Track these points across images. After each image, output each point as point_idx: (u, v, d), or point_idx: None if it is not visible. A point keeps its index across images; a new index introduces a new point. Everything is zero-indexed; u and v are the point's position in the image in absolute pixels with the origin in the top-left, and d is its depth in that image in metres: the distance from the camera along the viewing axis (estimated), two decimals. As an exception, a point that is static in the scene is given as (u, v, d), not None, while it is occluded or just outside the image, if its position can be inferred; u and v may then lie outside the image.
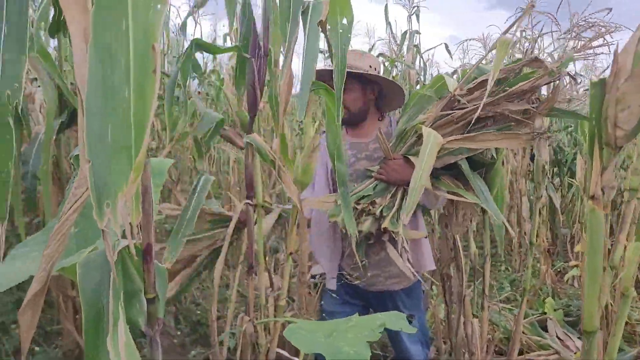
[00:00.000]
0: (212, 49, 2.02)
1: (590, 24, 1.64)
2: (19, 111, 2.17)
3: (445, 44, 5.54)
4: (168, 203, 3.71)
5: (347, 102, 2.08)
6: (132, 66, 0.43)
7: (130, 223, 0.45)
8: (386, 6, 5.53)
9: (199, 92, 3.89)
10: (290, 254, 2.09)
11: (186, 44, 3.36)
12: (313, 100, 2.06)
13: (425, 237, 2.13)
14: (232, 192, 3.81)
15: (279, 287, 2.04)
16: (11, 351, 2.58)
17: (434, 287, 3.38)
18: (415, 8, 5.23)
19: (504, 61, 1.80)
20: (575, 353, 2.80)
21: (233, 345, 1.80)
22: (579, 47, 1.70)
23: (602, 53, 1.63)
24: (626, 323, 2.74)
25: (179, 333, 3.17)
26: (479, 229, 4.14)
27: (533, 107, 1.74)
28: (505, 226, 1.94)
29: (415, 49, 5.29)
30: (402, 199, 1.95)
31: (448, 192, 1.90)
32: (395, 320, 1.24)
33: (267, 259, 3.08)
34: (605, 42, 1.56)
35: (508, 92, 1.73)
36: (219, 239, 2.20)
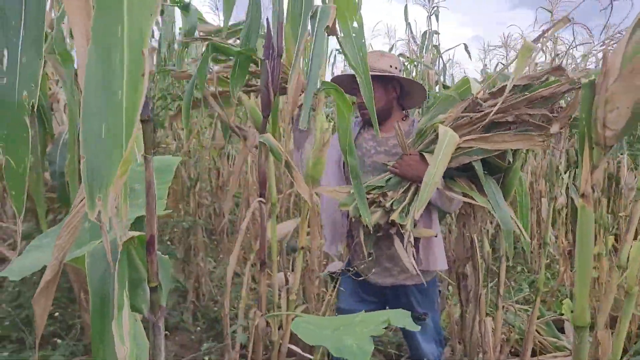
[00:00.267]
0: (227, 50, 2.07)
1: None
2: (43, 112, 2.24)
3: (465, 44, 5.51)
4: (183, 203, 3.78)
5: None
6: (126, 69, 0.47)
7: (118, 215, 0.49)
8: (406, 7, 5.54)
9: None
10: (302, 248, 2.14)
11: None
12: (323, 100, 2.09)
13: (435, 236, 2.14)
14: (250, 191, 3.87)
15: (290, 283, 2.08)
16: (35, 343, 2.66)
17: (450, 287, 3.38)
18: (435, 8, 5.22)
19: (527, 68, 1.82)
20: (591, 355, 2.78)
21: (245, 340, 1.84)
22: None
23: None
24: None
25: (197, 329, 3.23)
26: (497, 229, 4.13)
27: (554, 115, 1.75)
28: (522, 232, 1.96)
29: (434, 50, 5.28)
30: (413, 194, 1.98)
31: (462, 195, 1.92)
32: (400, 317, 1.27)
33: (283, 257, 3.13)
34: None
35: (527, 97, 1.75)
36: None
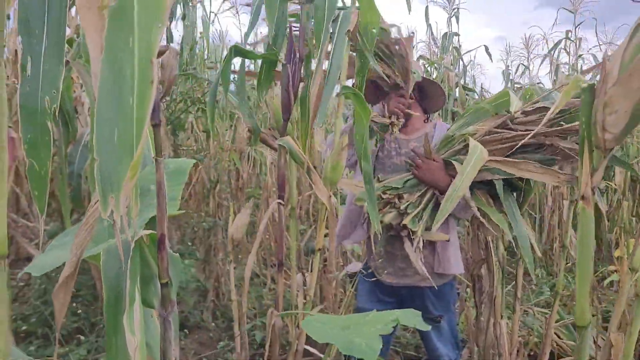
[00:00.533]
0: (249, 54, 2.11)
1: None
2: (67, 115, 2.31)
3: (485, 46, 5.47)
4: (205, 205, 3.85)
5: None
6: (136, 78, 0.51)
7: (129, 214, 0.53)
8: (426, 8, 5.53)
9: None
10: (319, 250, 2.16)
11: (225, 51, 3.48)
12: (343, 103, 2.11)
13: (448, 241, 2.14)
14: (270, 192, 3.92)
15: (307, 283, 2.11)
16: (59, 338, 2.75)
17: (468, 289, 3.38)
18: (455, 10, 5.21)
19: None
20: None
21: (260, 338, 1.89)
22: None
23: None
24: None
25: (216, 328, 3.29)
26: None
27: None
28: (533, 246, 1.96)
29: (455, 51, 5.27)
30: (429, 201, 1.99)
31: (478, 209, 1.92)
32: (409, 316, 1.29)
33: (301, 258, 3.16)
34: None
35: (563, 127, 1.74)
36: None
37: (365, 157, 1.71)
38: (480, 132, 1.90)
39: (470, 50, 7.06)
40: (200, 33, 3.74)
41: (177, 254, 0.91)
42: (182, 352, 2.97)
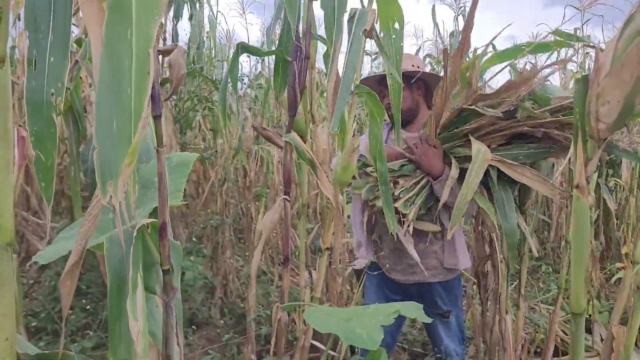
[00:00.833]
0: (256, 51, 2.12)
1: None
2: (77, 115, 2.35)
3: (493, 44, 5.45)
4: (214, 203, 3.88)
5: None
6: (134, 68, 0.53)
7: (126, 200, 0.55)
8: (433, 7, 5.54)
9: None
10: (327, 249, 2.18)
11: (232, 50, 3.50)
12: (355, 103, 2.12)
13: (440, 232, 2.14)
14: (277, 191, 3.95)
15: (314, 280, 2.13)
16: (68, 338, 2.79)
17: (474, 286, 3.38)
18: (462, 8, 5.21)
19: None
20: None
21: (265, 332, 1.92)
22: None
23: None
24: None
25: (223, 325, 3.32)
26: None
27: None
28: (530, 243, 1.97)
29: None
30: (422, 187, 2.00)
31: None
32: (411, 309, 1.30)
33: (308, 256, 3.18)
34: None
35: (559, 120, 1.75)
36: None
37: (380, 158, 1.71)
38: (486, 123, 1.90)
39: (478, 48, 7.01)
40: (207, 32, 3.77)
41: (185, 251, 0.93)
42: (190, 347, 3.00)
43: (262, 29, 4.72)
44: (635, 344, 1.54)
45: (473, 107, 1.85)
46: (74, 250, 0.80)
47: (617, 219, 5.19)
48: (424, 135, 2.03)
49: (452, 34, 5.54)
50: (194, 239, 3.88)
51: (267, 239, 2.41)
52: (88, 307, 2.96)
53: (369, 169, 2.06)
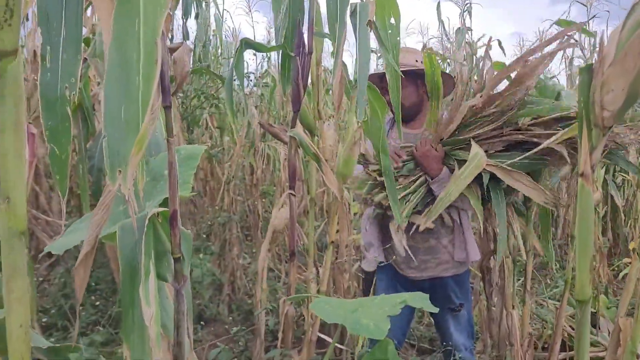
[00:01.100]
0: (259, 47, 2.13)
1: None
2: (87, 113, 2.37)
3: (499, 40, 5.44)
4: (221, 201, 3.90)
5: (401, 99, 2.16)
6: (142, 58, 0.55)
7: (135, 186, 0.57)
8: (438, 4, 5.55)
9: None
10: (332, 242, 2.19)
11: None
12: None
13: (433, 227, 2.16)
14: (284, 188, 3.96)
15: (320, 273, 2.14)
16: (78, 334, 2.82)
17: (481, 282, 3.38)
18: (468, 5, 5.21)
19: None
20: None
21: (273, 324, 1.94)
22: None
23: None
24: None
25: (231, 321, 3.34)
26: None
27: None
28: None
29: (467, 46, 5.26)
30: (419, 185, 2.03)
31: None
32: (418, 299, 1.31)
33: (315, 252, 3.20)
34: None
35: (558, 134, 1.76)
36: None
37: (384, 151, 1.72)
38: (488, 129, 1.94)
39: (483, 45, 6.99)
40: (214, 30, 3.79)
41: (193, 248, 0.95)
42: (199, 343, 3.02)
43: (268, 27, 4.74)
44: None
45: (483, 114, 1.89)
46: (87, 239, 0.82)
47: (624, 215, 5.18)
48: (428, 139, 2.06)
49: (457, 31, 5.54)
50: (202, 236, 3.90)
51: (274, 236, 2.42)
52: (98, 303, 2.99)
53: (371, 168, 2.08)
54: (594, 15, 4.44)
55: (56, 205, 3.76)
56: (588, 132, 0.84)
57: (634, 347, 1.34)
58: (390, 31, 1.63)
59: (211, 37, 3.64)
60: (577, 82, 5.45)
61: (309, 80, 1.94)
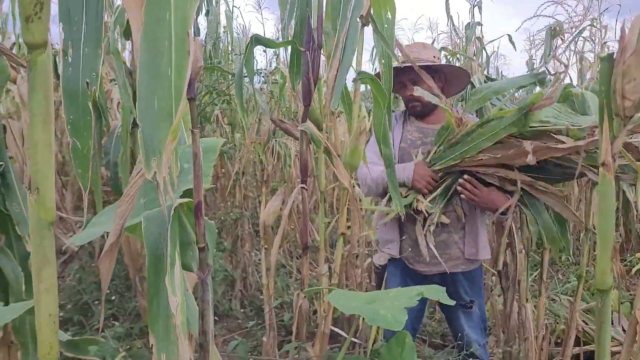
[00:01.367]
0: (269, 43, 2.14)
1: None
2: (101, 109, 2.40)
3: (509, 35, 5.41)
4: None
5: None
6: (173, 49, 0.56)
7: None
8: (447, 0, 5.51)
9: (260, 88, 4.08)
10: (342, 234, 2.20)
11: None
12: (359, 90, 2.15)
13: (448, 222, 2.17)
14: (294, 184, 3.97)
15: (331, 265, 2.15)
16: (95, 328, 2.85)
17: (493, 278, 3.38)
18: (477, 0, 5.17)
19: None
20: None
21: (288, 318, 1.94)
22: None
23: None
24: None
25: (244, 316, 3.36)
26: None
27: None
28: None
29: (477, 42, 5.23)
30: (447, 187, 2.04)
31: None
32: (434, 291, 1.32)
33: (327, 247, 3.20)
34: None
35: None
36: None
37: (385, 142, 1.74)
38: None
39: (493, 40, 6.96)
40: (224, 27, 3.80)
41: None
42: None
43: (277, 23, 4.74)
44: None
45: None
46: (113, 230, 0.83)
47: (636, 211, 5.14)
48: (428, 175, 2.08)
49: (467, 26, 5.51)
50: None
51: (285, 232, 2.43)
52: (113, 297, 3.02)
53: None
54: (605, 9, 4.41)
55: (69, 202, 3.80)
56: (609, 121, 0.84)
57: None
58: (386, 25, 1.66)
59: (222, 34, 3.65)
60: (587, 77, 5.43)
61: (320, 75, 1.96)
